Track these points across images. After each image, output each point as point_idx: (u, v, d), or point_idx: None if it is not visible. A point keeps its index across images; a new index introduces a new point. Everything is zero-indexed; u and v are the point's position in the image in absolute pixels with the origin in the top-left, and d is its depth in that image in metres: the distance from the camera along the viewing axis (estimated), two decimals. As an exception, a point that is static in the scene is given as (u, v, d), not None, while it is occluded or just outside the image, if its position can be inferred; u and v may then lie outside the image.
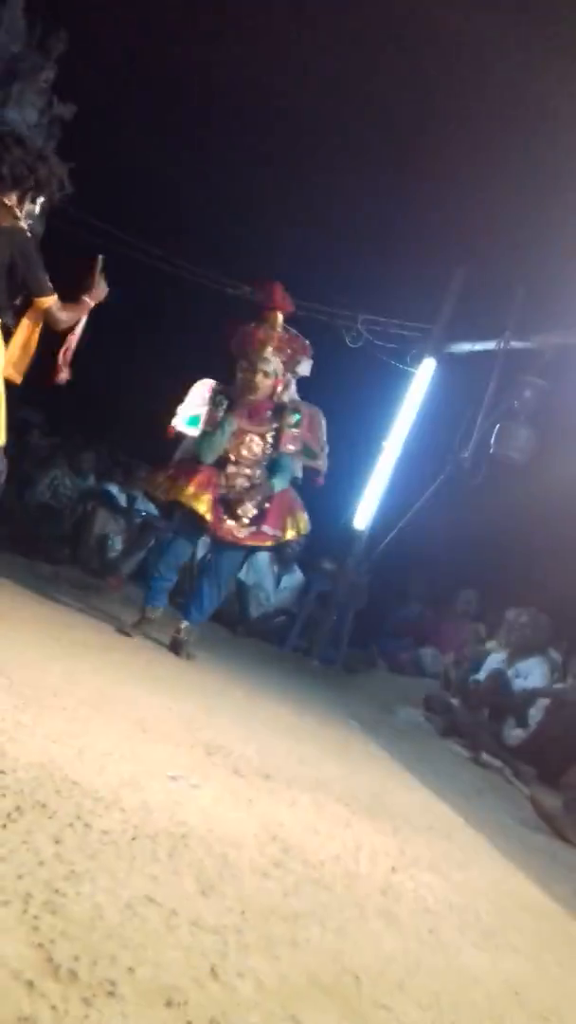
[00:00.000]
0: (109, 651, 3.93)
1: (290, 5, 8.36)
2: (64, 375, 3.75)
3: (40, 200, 3.52)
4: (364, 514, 8.19)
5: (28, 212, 3.48)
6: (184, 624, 4.69)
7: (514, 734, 5.25)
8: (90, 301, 3.68)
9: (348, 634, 7.79)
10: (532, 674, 5.85)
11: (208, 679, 4.35)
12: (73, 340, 3.71)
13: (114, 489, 7.27)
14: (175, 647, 4.62)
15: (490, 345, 7.70)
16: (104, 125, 9.16)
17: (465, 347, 8.09)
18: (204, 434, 4.65)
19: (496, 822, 3.57)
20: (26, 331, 3.49)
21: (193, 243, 9.58)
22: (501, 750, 5.08)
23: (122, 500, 7.21)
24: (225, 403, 4.73)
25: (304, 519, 4.83)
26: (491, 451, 7.29)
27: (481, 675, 6.26)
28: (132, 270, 9.79)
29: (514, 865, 2.89)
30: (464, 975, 1.76)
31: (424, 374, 8.23)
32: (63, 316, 3.55)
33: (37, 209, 3.57)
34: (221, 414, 4.69)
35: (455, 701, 6.10)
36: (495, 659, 6.39)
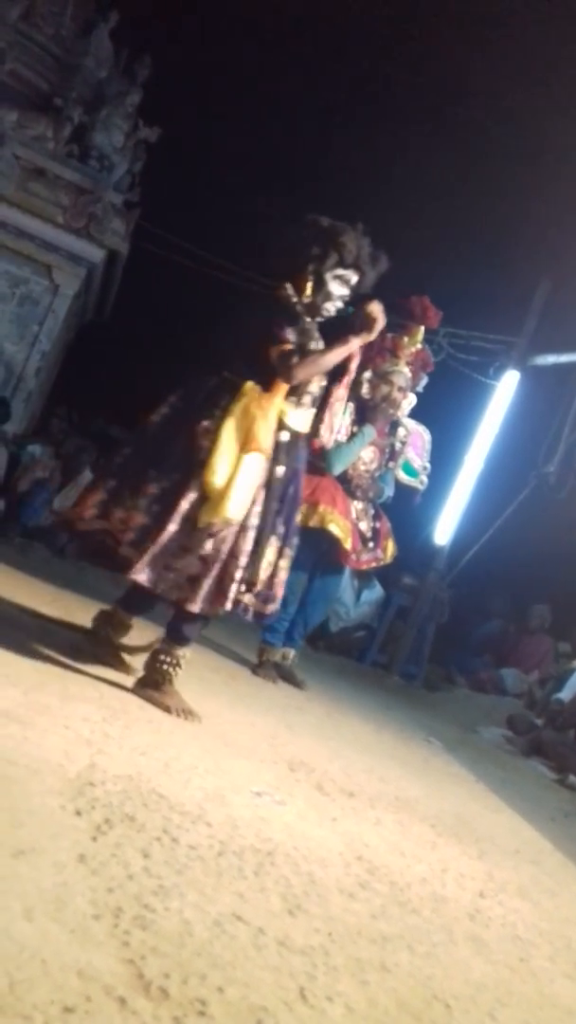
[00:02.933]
0: (188, 665, 3.95)
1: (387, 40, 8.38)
2: (323, 440, 3.20)
3: (339, 272, 3.05)
4: (445, 529, 8.09)
5: (316, 291, 3.05)
6: (291, 651, 4.54)
7: (602, 756, 5.10)
8: (356, 339, 3.05)
9: (428, 650, 7.70)
10: (621, 694, 5.68)
11: (288, 695, 4.34)
12: (335, 395, 3.13)
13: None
14: (287, 677, 4.55)
15: None
16: (188, 147, 9.32)
17: (550, 359, 7.96)
18: (337, 444, 4.31)
19: (585, 847, 3.46)
20: (271, 396, 2.95)
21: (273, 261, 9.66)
22: (589, 772, 4.94)
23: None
24: (351, 411, 4.40)
25: (394, 543, 4.73)
26: (577, 465, 7.14)
27: (566, 694, 6.11)
28: (213, 288, 9.93)
29: (605, 893, 2.80)
30: (557, 1006, 1.71)
31: (507, 387, 8.12)
32: (291, 362, 2.90)
33: (334, 284, 3.05)
34: (347, 423, 4.38)
35: (540, 721, 5.97)
36: (581, 678, 6.24)
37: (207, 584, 2.81)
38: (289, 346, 2.92)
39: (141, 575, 2.77)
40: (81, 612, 4.08)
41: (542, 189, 7.93)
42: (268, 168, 10.51)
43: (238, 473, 2.82)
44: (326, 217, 3.09)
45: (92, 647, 3.09)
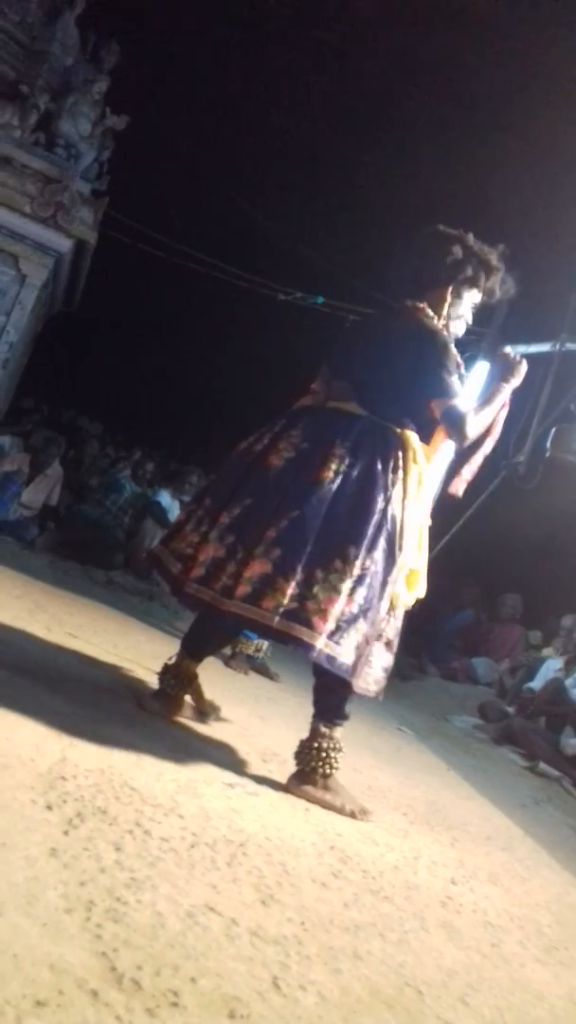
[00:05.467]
0: (161, 659, 3.94)
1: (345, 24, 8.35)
2: (458, 489, 2.83)
3: (471, 294, 2.80)
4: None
5: (452, 312, 2.77)
6: (264, 643, 4.49)
7: (572, 743, 5.16)
8: (508, 388, 2.78)
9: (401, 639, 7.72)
10: (590, 682, 5.74)
11: (260, 686, 4.35)
12: (484, 451, 2.79)
13: (165, 498, 7.29)
14: (260, 669, 4.55)
15: (545, 347, 7.61)
16: (156, 135, 9.23)
17: (519, 349, 8.00)
18: None
19: (556, 833, 3.51)
20: (431, 450, 2.69)
21: (243, 252, 9.63)
22: (559, 760, 5.00)
23: (175, 507, 7.25)
24: None
25: None
26: (547, 455, 7.19)
27: (537, 683, 6.18)
28: (181, 279, 9.88)
29: (575, 877, 2.83)
30: (528, 990, 1.72)
31: (477, 377, 8.16)
32: (466, 424, 2.59)
33: (465, 308, 2.82)
34: None
35: (511, 709, 6.02)
36: (551, 667, 6.30)
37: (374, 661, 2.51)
38: (460, 403, 2.59)
39: (362, 683, 2.44)
40: (51, 605, 4.06)
41: (512, 182, 7.97)
42: (239, 157, 10.46)
43: (422, 544, 2.60)
44: (471, 235, 2.79)
45: (161, 706, 2.75)
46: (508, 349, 2.83)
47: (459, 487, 2.81)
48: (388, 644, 2.54)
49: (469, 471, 2.78)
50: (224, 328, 11.71)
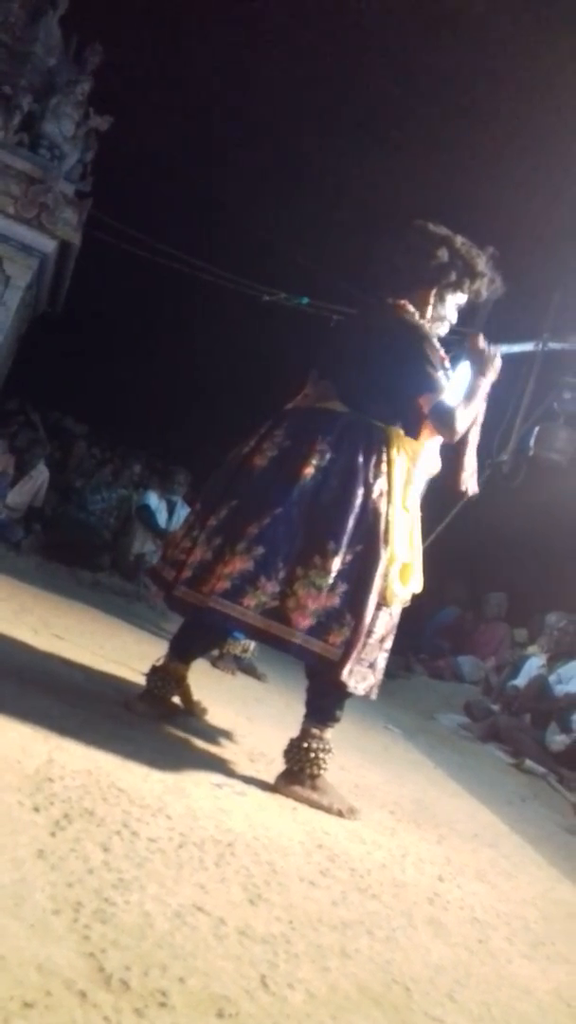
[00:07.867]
0: (148, 660, 3.94)
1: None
2: (471, 485, 2.81)
3: (455, 297, 2.78)
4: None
5: (434, 314, 2.75)
6: (251, 644, 4.32)
7: (557, 740, 5.19)
8: (487, 381, 2.74)
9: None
10: (574, 679, 5.77)
11: (248, 687, 4.35)
12: (472, 439, 2.75)
13: (153, 500, 7.28)
14: (247, 670, 4.56)
15: (528, 347, 7.63)
16: (140, 136, 9.20)
17: (501, 349, 8.02)
18: None
19: (542, 830, 3.53)
20: (419, 444, 2.68)
21: (228, 253, 9.62)
22: (544, 756, 5.02)
23: (162, 507, 7.24)
24: None
25: None
26: (530, 453, 7.22)
27: (521, 680, 6.20)
28: (165, 279, 9.87)
29: (561, 873, 2.85)
30: (515, 986, 1.74)
31: (460, 377, 8.19)
32: (455, 419, 2.58)
33: (448, 310, 2.79)
34: None
35: (496, 707, 6.05)
36: (535, 664, 6.33)
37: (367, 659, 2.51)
38: (448, 398, 2.58)
39: (352, 681, 2.43)
40: (38, 607, 4.05)
41: (493, 181, 7.99)
42: (223, 157, 10.46)
43: (414, 538, 2.60)
44: (460, 236, 2.74)
45: (148, 707, 2.72)
46: (481, 340, 2.78)
47: (471, 483, 2.80)
48: (381, 641, 2.54)
49: (472, 464, 2.78)
50: (209, 329, 11.69)
